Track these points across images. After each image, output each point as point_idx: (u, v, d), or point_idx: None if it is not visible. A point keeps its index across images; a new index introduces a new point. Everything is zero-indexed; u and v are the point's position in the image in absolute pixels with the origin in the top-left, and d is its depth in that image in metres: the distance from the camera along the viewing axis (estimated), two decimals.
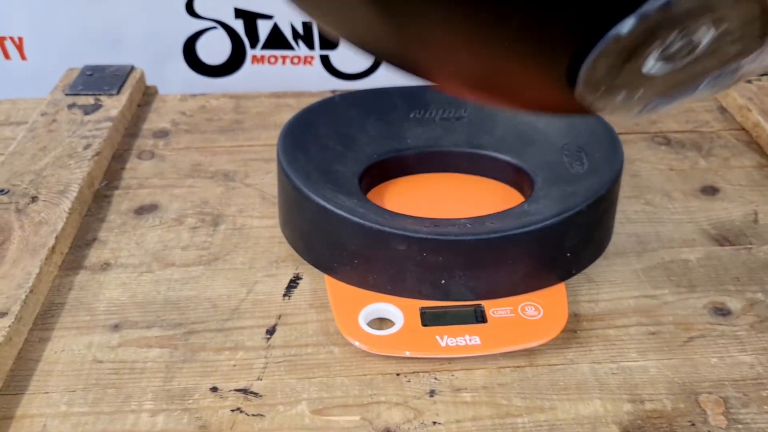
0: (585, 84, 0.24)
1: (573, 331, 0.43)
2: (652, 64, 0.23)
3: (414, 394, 0.39)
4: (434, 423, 0.38)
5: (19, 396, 0.39)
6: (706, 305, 0.45)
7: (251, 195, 0.55)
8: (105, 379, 0.40)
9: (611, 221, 0.49)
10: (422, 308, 0.43)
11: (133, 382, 0.40)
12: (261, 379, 0.40)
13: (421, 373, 0.40)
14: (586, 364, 0.41)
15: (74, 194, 0.51)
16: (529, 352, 0.42)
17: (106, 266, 0.48)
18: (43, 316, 0.44)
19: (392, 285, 0.44)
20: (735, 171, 0.58)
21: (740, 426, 0.37)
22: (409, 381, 0.40)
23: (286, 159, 0.47)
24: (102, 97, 0.64)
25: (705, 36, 0.22)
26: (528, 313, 0.43)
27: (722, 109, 0.66)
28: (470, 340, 0.41)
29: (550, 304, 0.43)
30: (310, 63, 0.87)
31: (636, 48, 0.22)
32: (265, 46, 0.85)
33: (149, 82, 0.71)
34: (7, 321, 0.41)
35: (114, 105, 0.63)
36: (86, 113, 0.61)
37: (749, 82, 0.66)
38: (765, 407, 0.38)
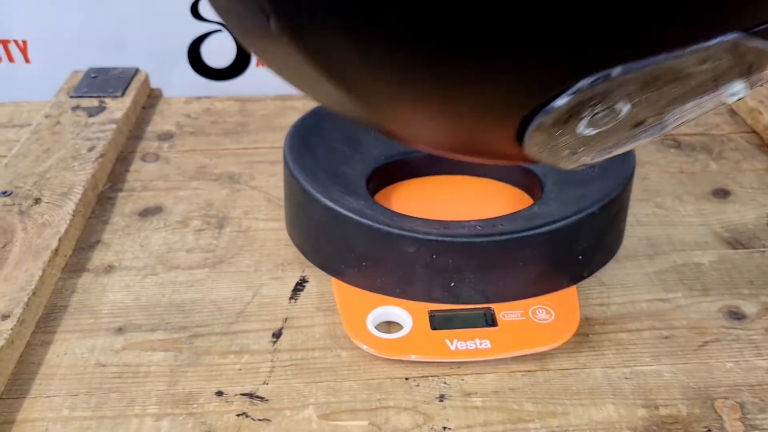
0: (530, 145, 0.29)
1: (585, 335, 0.42)
2: (583, 129, 0.28)
3: (423, 399, 0.38)
4: (444, 428, 0.37)
5: (20, 400, 0.38)
6: (720, 309, 0.44)
7: (257, 197, 0.55)
8: (108, 383, 0.39)
9: (623, 224, 0.48)
10: (431, 311, 0.42)
11: (137, 386, 0.39)
12: (267, 384, 0.39)
13: (430, 378, 0.40)
14: (599, 368, 0.40)
15: (78, 196, 0.51)
16: (541, 356, 0.41)
17: (109, 269, 0.47)
18: (46, 319, 0.43)
19: (401, 288, 0.43)
20: (746, 174, 0.57)
21: None
22: (418, 385, 0.39)
23: (292, 160, 0.46)
24: (106, 100, 0.63)
25: (624, 107, 0.27)
26: (539, 317, 0.42)
27: (732, 112, 0.65)
28: (480, 343, 0.40)
29: (562, 307, 0.43)
30: None
31: (569, 117, 0.27)
32: None
33: (154, 85, 0.70)
34: (9, 324, 0.40)
35: (118, 107, 0.62)
36: (90, 115, 0.61)
37: (760, 84, 0.65)
38: None
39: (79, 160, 0.55)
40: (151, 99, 0.68)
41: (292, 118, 0.53)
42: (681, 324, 0.43)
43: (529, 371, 0.40)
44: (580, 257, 0.44)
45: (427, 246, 0.41)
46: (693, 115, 0.31)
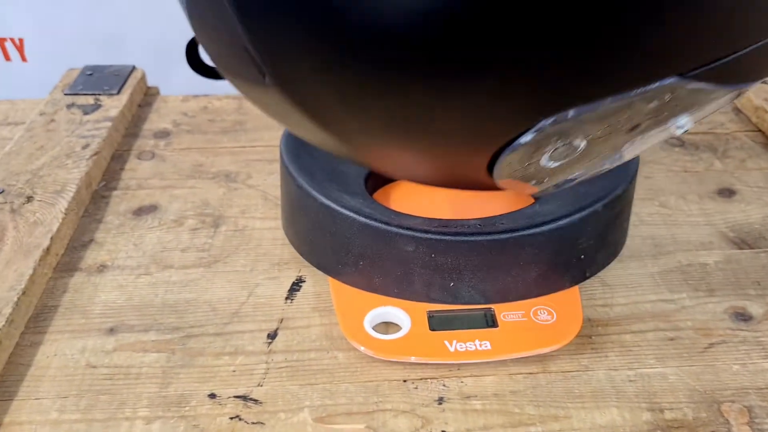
0: (500, 176, 0.32)
1: (588, 337, 0.41)
2: (546, 162, 0.31)
3: (421, 402, 0.37)
4: None
5: (8, 402, 0.37)
6: (726, 310, 0.43)
7: (253, 196, 0.54)
8: (98, 385, 0.38)
9: (626, 223, 0.47)
10: (430, 312, 0.41)
11: (128, 388, 0.38)
12: (261, 386, 0.38)
13: (428, 380, 0.39)
14: (602, 370, 0.39)
15: (71, 194, 0.50)
16: (542, 358, 0.40)
17: (102, 268, 0.47)
18: (36, 319, 0.43)
19: (399, 288, 0.42)
20: (752, 173, 0.56)
21: None
22: (416, 388, 0.38)
23: (289, 158, 0.45)
24: (102, 97, 0.62)
25: (581, 142, 0.30)
26: (541, 318, 0.41)
27: (737, 111, 0.64)
28: (480, 345, 0.39)
29: (564, 307, 0.42)
30: None
31: (533, 152, 0.30)
32: None
33: (153, 83, 0.69)
34: None
35: (114, 105, 0.61)
36: (85, 113, 0.60)
37: (765, 82, 0.64)
38: None
39: (73, 158, 0.54)
40: (147, 97, 0.67)
41: None
42: (686, 325, 0.42)
43: (530, 373, 0.39)
44: (582, 257, 0.43)
45: (426, 245, 0.40)
46: (647, 145, 0.34)
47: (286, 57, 0.28)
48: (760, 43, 0.28)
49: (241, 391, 0.38)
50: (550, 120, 0.28)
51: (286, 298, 0.44)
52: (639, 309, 0.43)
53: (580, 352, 0.40)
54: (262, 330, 0.42)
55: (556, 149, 0.30)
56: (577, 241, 0.42)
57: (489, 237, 0.40)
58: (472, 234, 0.40)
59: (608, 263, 0.46)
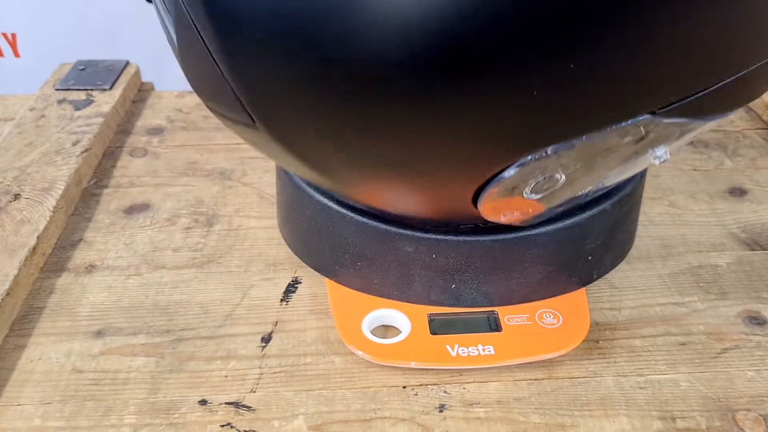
0: (485, 209, 0.34)
1: (595, 341, 0.40)
2: (529, 194, 0.33)
3: (422, 409, 0.36)
4: None
5: None
6: (739, 314, 0.41)
7: (249, 194, 0.52)
8: (84, 390, 0.37)
9: (635, 223, 0.45)
10: (431, 315, 0.40)
11: (115, 393, 0.37)
12: (254, 392, 0.37)
13: (429, 386, 0.37)
14: (611, 377, 0.38)
15: (59, 192, 0.48)
16: (548, 364, 0.38)
17: (91, 268, 0.45)
18: (21, 321, 0.41)
19: (398, 289, 0.40)
20: (763, 171, 0.54)
21: None
22: (416, 394, 0.37)
23: None
24: (94, 93, 0.61)
25: (561, 176, 0.32)
26: (546, 321, 0.39)
27: (747, 108, 0.63)
28: (483, 349, 0.38)
29: (570, 311, 0.40)
30: None
31: (516, 185, 0.32)
32: None
33: (148, 79, 0.68)
34: None
35: (106, 100, 0.60)
36: (77, 108, 0.58)
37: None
38: None
39: (63, 155, 0.52)
40: (141, 92, 0.66)
41: None
42: (698, 330, 0.40)
43: (535, 380, 0.37)
44: (589, 258, 0.41)
45: (427, 245, 0.38)
46: (627, 174, 0.36)
47: (276, 104, 0.30)
48: (728, 80, 0.29)
49: (233, 398, 0.36)
50: (530, 156, 0.30)
51: (282, 300, 0.43)
52: (648, 312, 0.42)
53: (587, 358, 0.39)
54: (255, 333, 0.40)
55: (537, 183, 0.32)
56: (584, 241, 0.40)
57: (492, 237, 0.38)
58: (475, 234, 0.38)
59: (616, 264, 0.44)
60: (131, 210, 0.50)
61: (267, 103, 0.31)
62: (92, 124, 0.56)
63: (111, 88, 0.61)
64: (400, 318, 0.40)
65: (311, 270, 0.44)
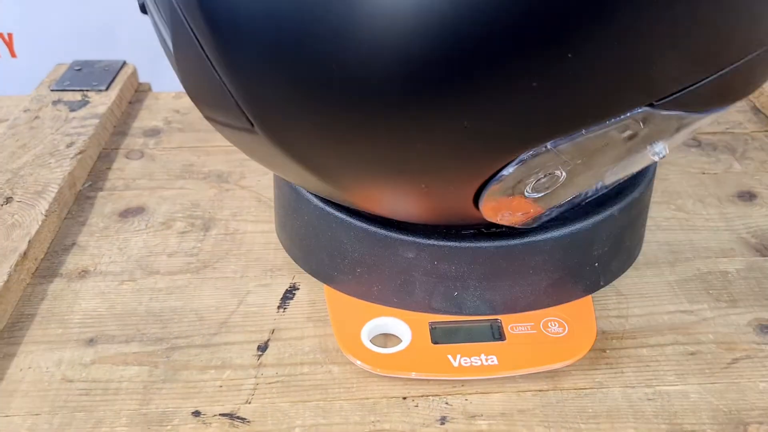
0: (486, 209, 0.33)
1: (602, 351, 0.38)
2: (530, 193, 0.32)
3: (422, 421, 0.35)
4: None
5: None
6: (750, 322, 0.40)
7: (246, 197, 0.51)
8: (74, 401, 0.36)
9: (643, 228, 0.44)
10: (432, 323, 0.39)
11: (106, 404, 0.36)
12: (250, 403, 0.36)
13: (430, 397, 0.36)
14: (618, 388, 0.36)
15: (52, 195, 0.47)
16: (553, 374, 0.37)
17: (84, 274, 0.44)
18: (11, 329, 0.40)
19: (399, 297, 0.39)
20: None
21: None
22: (417, 406, 0.35)
23: None
24: (90, 93, 0.60)
25: (562, 172, 0.32)
26: (551, 330, 0.38)
27: (756, 110, 0.61)
28: (486, 359, 0.37)
29: (576, 319, 0.39)
30: None
31: (516, 183, 0.31)
32: None
33: (147, 80, 0.66)
34: None
35: (102, 101, 0.59)
36: (72, 110, 0.57)
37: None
38: None
39: (57, 157, 0.51)
40: (138, 93, 0.64)
41: None
42: (707, 339, 0.39)
43: (540, 391, 0.36)
44: (596, 264, 0.40)
45: (428, 251, 0.37)
46: (627, 172, 0.36)
47: (275, 107, 0.30)
48: (725, 70, 0.29)
49: (227, 409, 0.35)
50: (529, 153, 0.29)
51: (279, 307, 0.41)
52: (656, 320, 0.40)
53: (593, 368, 0.37)
54: (251, 341, 0.39)
55: (538, 180, 0.32)
56: (591, 247, 0.39)
57: (496, 243, 0.37)
58: (478, 240, 0.37)
59: (623, 271, 0.43)
60: (126, 213, 0.49)
61: (266, 106, 0.30)
62: (87, 126, 0.55)
63: (107, 88, 0.60)
64: (401, 326, 0.39)
65: (309, 276, 0.43)
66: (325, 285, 0.42)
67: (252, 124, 0.31)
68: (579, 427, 0.34)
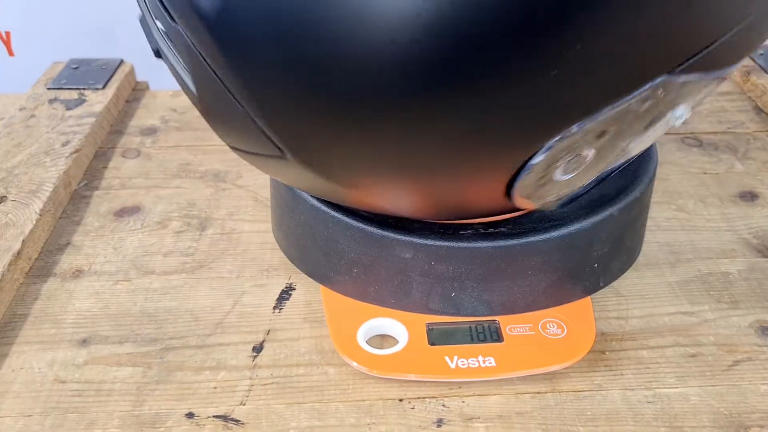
0: (519, 198, 0.34)
1: (601, 352, 0.38)
2: (560, 176, 0.33)
3: (419, 423, 0.34)
4: None
5: None
6: (751, 324, 0.40)
7: (243, 197, 0.50)
8: (66, 402, 0.35)
9: (643, 228, 0.44)
10: (429, 324, 0.38)
11: (99, 405, 0.35)
12: (244, 404, 0.35)
13: (427, 399, 0.35)
14: (617, 390, 0.36)
15: (47, 194, 0.47)
16: (552, 376, 0.37)
17: (78, 273, 0.43)
18: (3, 329, 0.39)
19: (396, 298, 0.39)
20: None
21: None
22: (413, 408, 0.35)
23: None
24: (86, 92, 0.59)
25: (588, 152, 0.32)
26: (550, 331, 0.38)
27: (758, 110, 0.61)
28: (484, 361, 0.36)
29: (575, 320, 0.38)
30: None
31: (546, 169, 0.32)
32: None
33: (145, 79, 0.66)
34: None
35: (99, 100, 0.58)
36: (68, 108, 0.57)
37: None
38: None
39: (52, 156, 0.51)
40: (135, 92, 0.64)
41: None
42: (708, 340, 0.39)
43: (538, 393, 0.36)
44: (595, 265, 0.39)
45: (426, 251, 0.37)
46: (650, 141, 0.36)
47: (307, 135, 0.30)
48: (735, 29, 0.29)
49: (221, 410, 0.35)
50: (556, 138, 0.30)
51: (275, 308, 0.41)
52: (656, 322, 0.40)
53: (593, 370, 0.37)
54: (247, 342, 0.39)
55: (567, 163, 0.32)
56: (590, 247, 0.39)
57: (494, 243, 0.37)
58: (476, 240, 0.37)
59: (623, 272, 0.42)
60: (121, 213, 0.49)
61: (298, 135, 0.31)
62: (83, 124, 0.55)
63: (104, 87, 0.60)
64: (398, 327, 0.38)
65: (306, 276, 0.42)
66: (321, 285, 0.41)
67: (282, 152, 0.32)
68: (578, 430, 0.34)
